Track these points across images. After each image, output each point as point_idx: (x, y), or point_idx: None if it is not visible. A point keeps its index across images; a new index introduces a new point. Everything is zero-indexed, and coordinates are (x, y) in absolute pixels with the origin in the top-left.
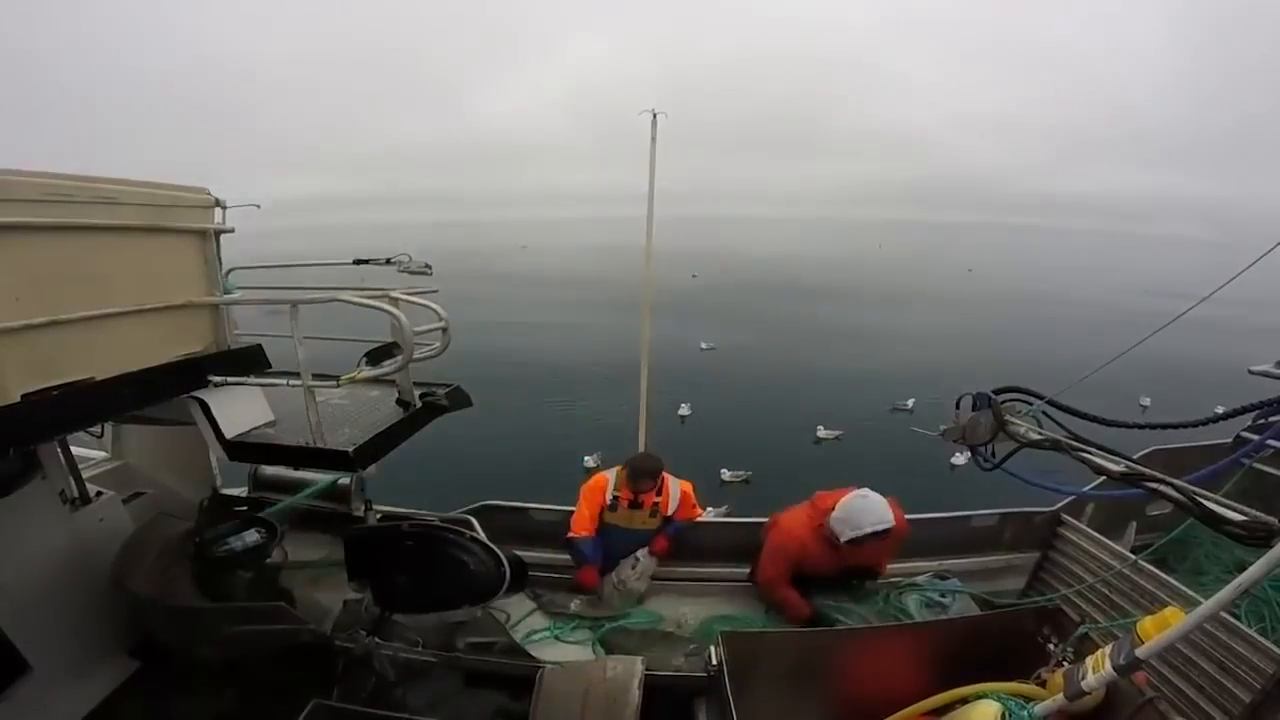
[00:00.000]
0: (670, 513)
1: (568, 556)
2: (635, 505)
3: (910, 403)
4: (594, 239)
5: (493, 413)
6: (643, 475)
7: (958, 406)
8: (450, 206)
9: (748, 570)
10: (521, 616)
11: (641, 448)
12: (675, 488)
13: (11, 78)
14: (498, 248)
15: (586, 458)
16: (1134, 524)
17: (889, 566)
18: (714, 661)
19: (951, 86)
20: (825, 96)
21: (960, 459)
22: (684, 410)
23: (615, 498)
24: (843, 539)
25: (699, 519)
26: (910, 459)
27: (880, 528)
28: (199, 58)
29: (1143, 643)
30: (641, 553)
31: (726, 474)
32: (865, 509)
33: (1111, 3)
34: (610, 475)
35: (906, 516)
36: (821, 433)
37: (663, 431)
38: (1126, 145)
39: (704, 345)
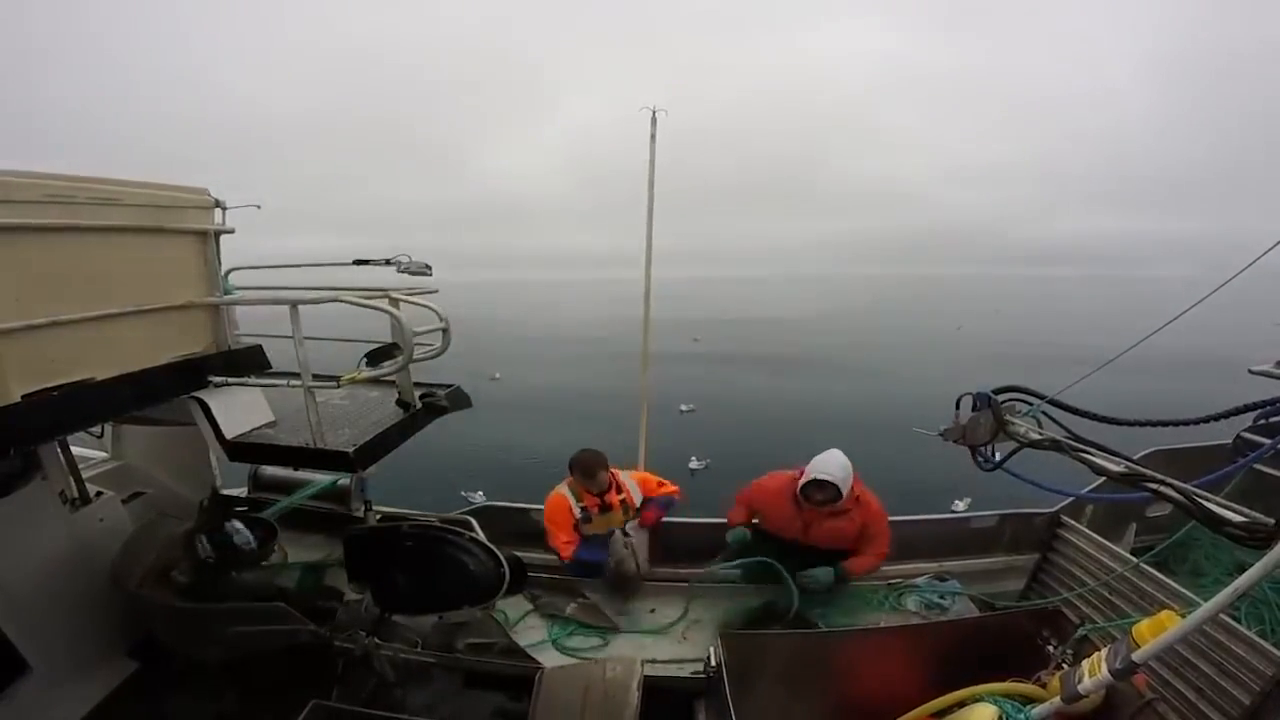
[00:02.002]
0: (638, 504)
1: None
2: (606, 509)
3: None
4: (593, 305)
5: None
6: (596, 468)
7: (958, 406)
8: (451, 268)
9: None
10: (519, 617)
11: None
12: (629, 480)
13: (17, 152)
14: (501, 312)
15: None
16: (1134, 525)
17: (887, 568)
18: (714, 661)
19: (942, 140)
20: (817, 155)
21: (960, 505)
22: (694, 464)
23: (584, 509)
24: (802, 480)
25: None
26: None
27: (820, 475)
28: (201, 120)
29: (1139, 646)
30: (630, 526)
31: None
32: (822, 457)
33: (1095, 50)
34: (566, 492)
35: (905, 517)
36: (693, 464)
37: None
38: (1116, 190)
39: (683, 408)
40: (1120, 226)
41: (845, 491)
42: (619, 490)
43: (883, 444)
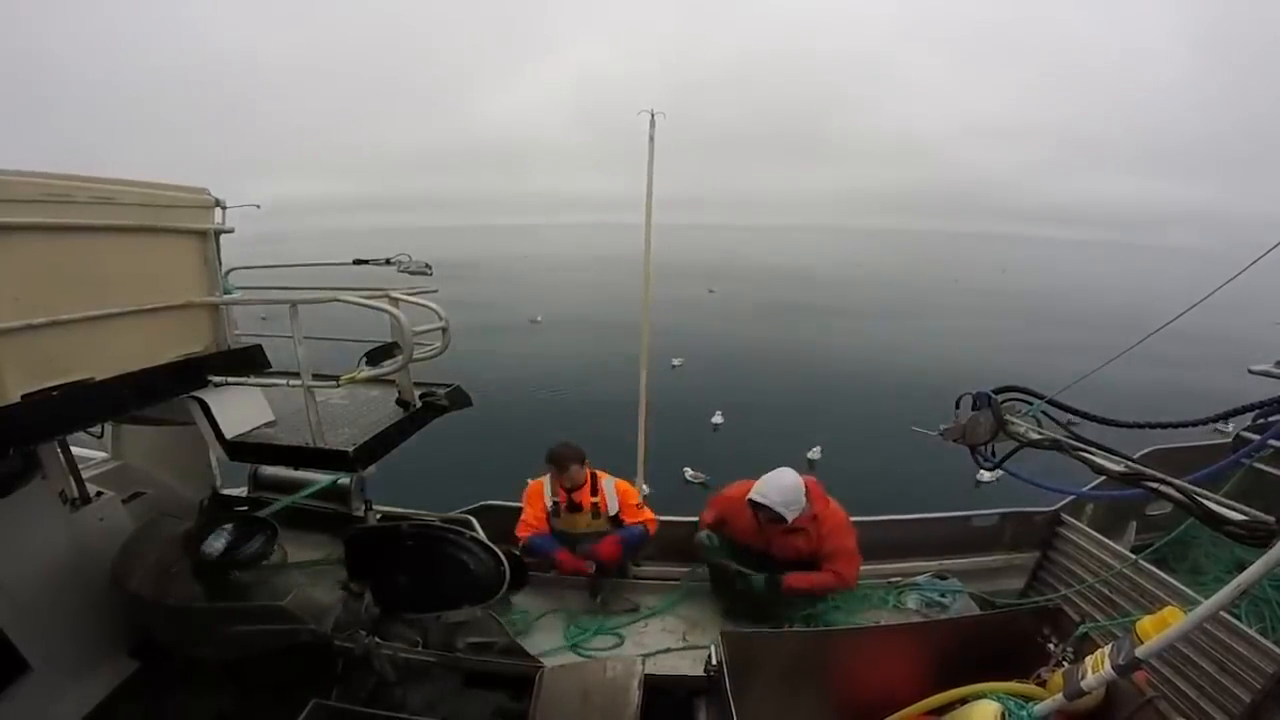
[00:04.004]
0: (613, 513)
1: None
2: (574, 507)
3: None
4: (596, 248)
5: (490, 423)
6: (566, 460)
7: (957, 406)
8: (451, 211)
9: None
10: (537, 616)
11: (640, 451)
12: (610, 486)
13: (13, 74)
14: (499, 255)
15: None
16: (1134, 524)
17: (887, 567)
18: (714, 661)
19: (961, 92)
20: (832, 102)
21: (987, 476)
22: (718, 419)
23: (555, 503)
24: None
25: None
26: (927, 475)
27: (756, 498)
28: (198, 58)
29: (1142, 643)
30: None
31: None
32: (769, 476)
33: (1130, 11)
34: (545, 480)
35: (905, 516)
36: (716, 419)
37: (695, 439)
38: (1135, 154)
39: (675, 362)
40: (1141, 194)
41: (790, 515)
42: (595, 492)
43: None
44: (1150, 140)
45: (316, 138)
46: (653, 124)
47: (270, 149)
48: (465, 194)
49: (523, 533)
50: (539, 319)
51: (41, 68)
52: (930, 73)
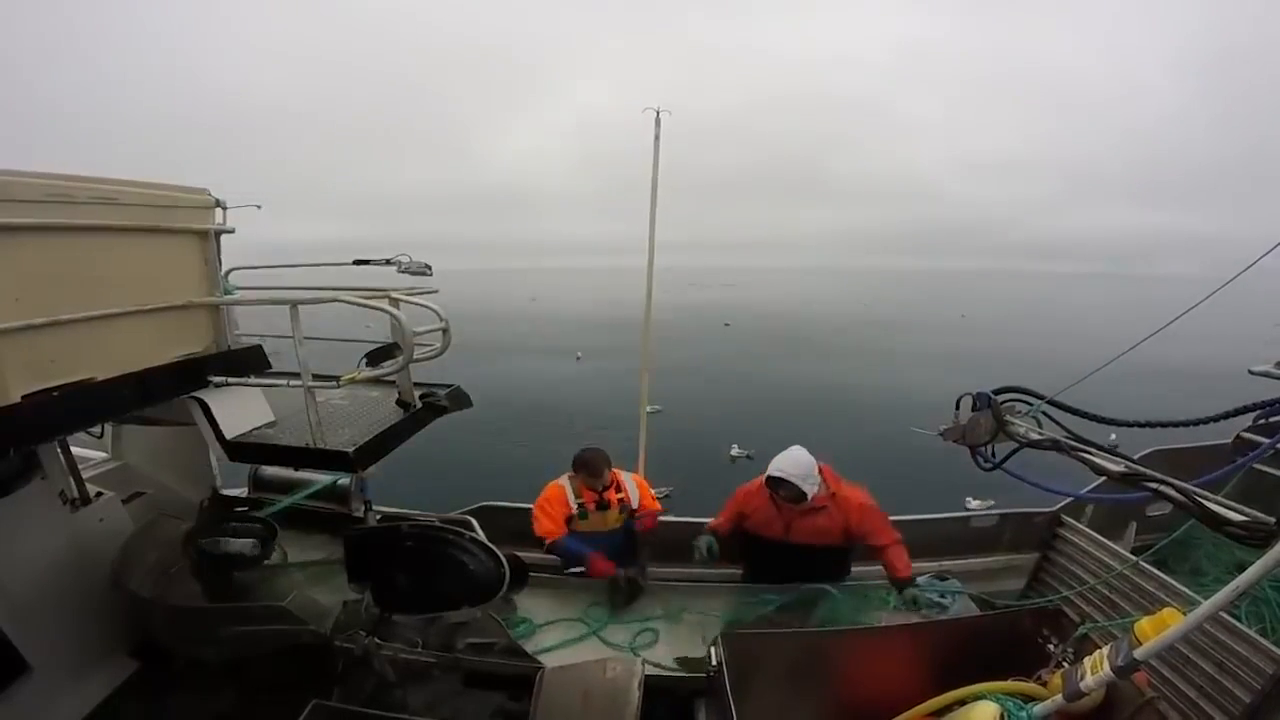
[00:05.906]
0: (635, 505)
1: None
2: (603, 506)
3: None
4: (599, 292)
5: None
6: (599, 465)
7: (957, 407)
8: (451, 254)
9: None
10: (549, 620)
11: (641, 462)
12: (629, 480)
13: (13, 116)
14: (511, 298)
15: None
16: (1134, 524)
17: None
18: (714, 661)
19: (959, 130)
20: (831, 144)
21: (975, 503)
22: (735, 451)
23: (581, 505)
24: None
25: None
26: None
27: (775, 473)
28: (198, 99)
29: (1140, 644)
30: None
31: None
32: (783, 455)
33: (1126, 43)
34: (564, 484)
35: (905, 517)
36: (734, 451)
37: (714, 474)
38: (1134, 186)
39: (650, 409)
40: (1140, 226)
41: (808, 489)
42: (619, 489)
43: (885, 443)
44: (1149, 171)
45: (316, 181)
46: (658, 122)
47: (267, 192)
48: (465, 238)
49: (549, 537)
50: (580, 356)
51: (35, 107)
52: (928, 112)
